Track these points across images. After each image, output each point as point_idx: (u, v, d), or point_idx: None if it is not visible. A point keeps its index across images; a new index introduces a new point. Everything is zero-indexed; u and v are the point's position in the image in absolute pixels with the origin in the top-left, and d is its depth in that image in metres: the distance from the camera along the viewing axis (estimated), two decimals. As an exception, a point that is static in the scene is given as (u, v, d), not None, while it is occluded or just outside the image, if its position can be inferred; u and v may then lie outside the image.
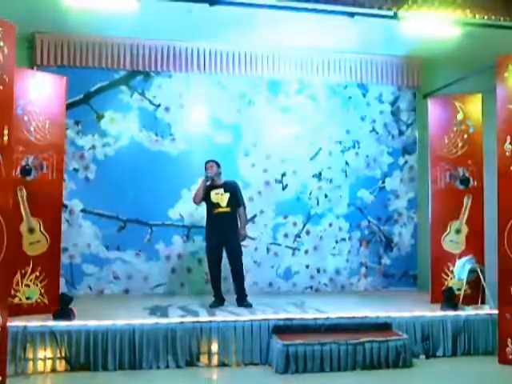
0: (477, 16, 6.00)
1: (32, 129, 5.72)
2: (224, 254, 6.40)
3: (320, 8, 5.91)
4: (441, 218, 6.81)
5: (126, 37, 7.21)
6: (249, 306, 6.15)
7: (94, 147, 7.32)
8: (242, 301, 6.24)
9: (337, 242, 7.92)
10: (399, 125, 8.20)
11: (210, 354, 5.34)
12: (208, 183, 6.31)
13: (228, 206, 6.29)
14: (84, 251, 7.22)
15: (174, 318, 5.48)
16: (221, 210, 6.28)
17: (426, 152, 7.25)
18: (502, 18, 6.05)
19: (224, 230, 6.25)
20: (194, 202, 6.47)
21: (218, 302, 6.25)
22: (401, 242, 8.11)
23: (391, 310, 5.93)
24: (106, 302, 6.67)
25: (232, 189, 6.36)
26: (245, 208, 6.51)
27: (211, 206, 6.32)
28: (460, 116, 6.80)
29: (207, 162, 6.42)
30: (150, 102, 7.51)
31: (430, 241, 6.98)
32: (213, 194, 6.30)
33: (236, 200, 6.36)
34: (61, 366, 5.10)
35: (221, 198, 6.29)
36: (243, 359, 5.37)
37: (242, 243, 6.47)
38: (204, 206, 6.47)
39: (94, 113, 7.34)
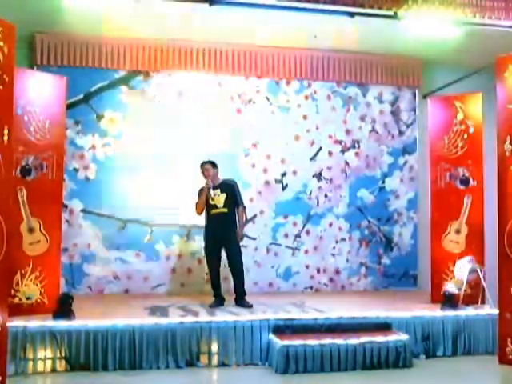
0: (477, 16, 6.00)
1: (32, 129, 5.71)
2: (223, 254, 6.39)
3: (320, 8, 5.90)
4: (441, 218, 6.81)
5: (126, 37, 7.21)
6: (248, 306, 6.11)
7: (93, 147, 7.32)
8: (241, 300, 6.22)
9: (337, 242, 7.92)
10: (399, 125, 8.20)
11: (210, 354, 5.35)
12: (209, 188, 6.23)
13: (225, 206, 6.24)
14: (84, 251, 7.22)
15: (174, 318, 5.48)
16: (218, 210, 6.23)
17: (426, 152, 7.25)
18: (502, 18, 6.04)
19: (222, 231, 6.22)
20: (197, 213, 6.36)
21: (218, 301, 6.24)
22: (401, 242, 8.11)
23: (391, 310, 5.93)
24: (106, 301, 6.66)
25: (229, 189, 6.30)
26: (244, 208, 6.46)
27: (209, 208, 6.28)
28: (460, 116, 6.80)
29: (202, 165, 6.33)
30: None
31: (429, 241, 6.97)
32: (210, 195, 6.24)
33: (234, 200, 6.30)
34: (61, 366, 5.10)
35: (217, 199, 6.23)
36: (243, 359, 5.37)
37: (242, 243, 6.46)
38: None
39: (94, 113, 7.34)
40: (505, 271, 5.42)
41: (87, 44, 7.18)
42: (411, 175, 8.18)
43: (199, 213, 6.34)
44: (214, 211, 6.25)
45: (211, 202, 6.25)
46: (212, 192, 6.23)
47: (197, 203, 6.31)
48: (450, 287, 6.35)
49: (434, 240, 6.85)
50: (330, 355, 5.19)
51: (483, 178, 6.66)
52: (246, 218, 6.63)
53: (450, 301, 6.07)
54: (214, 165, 6.34)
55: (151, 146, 7.45)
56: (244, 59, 7.61)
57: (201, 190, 6.32)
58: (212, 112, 7.63)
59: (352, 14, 6.06)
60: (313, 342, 5.21)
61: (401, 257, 8.08)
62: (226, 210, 6.24)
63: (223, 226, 6.23)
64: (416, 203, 8.15)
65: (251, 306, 6.11)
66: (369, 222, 8.02)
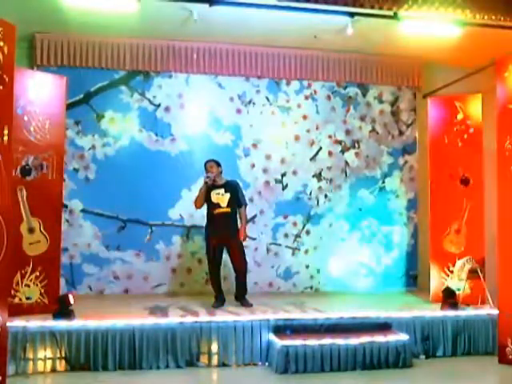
0: (477, 16, 5.99)
1: (32, 129, 5.72)
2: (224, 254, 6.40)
3: (320, 8, 5.90)
4: (441, 217, 6.82)
5: (126, 37, 7.20)
6: (248, 305, 6.16)
7: (93, 147, 7.32)
8: (241, 299, 6.27)
9: (337, 242, 7.92)
10: (399, 125, 8.19)
11: (210, 354, 5.35)
12: (209, 183, 6.27)
13: (228, 206, 6.27)
14: (84, 251, 7.22)
15: (174, 318, 5.48)
16: (221, 210, 6.25)
17: (426, 152, 7.25)
18: (502, 18, 6.04)
19: (224, 231, 6.23)
20: (196, 207, 6.42)
21: (220, 302, 6.24)
22: (401, 242, 8.11)
23: (391, 310, 5.93)
24: (106, 301, 6.66)
25: (233, 189, 6.34)
26: (246, 206, 6.49)
27: (211, 206, 6.29)
28: (460, 116, 6.81)
29: (207, 162, 6.38)
30: (150, 102, 7.51)
31: (429, 241, 6.98)
32: (213, 194, 6.27)
33: (237, 200, 6.34)
34: (61, 366, 5.11)
35: (221, 198, 6.26)
36: (243, 359, 5.38)
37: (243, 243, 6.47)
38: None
39: (94, 113, 7.34)
40: (505, 271, 5.42)
41: (87, 44, 7.18)
42: (411, 175, 8.18)
43: (198, 207, 6.40)
44: (216, 210, 6.26)
45: (214, 201, 6.27)
46: (216, 190, 6.27)
47: (196, 198, 6.35)
48: (449, 287, 6.36)
49: (434, 240, 6.86)
50: (330, 355, 5.20)
51: (483, 177, 6.66)
52: (246, 218, 6.62)
53: (449, 301, 6.07)
54: (217, 163, 6.38)
55: (151, 145, 7.46)
56: (244, 59, 7.62)
57: (201, 187, 6.33)
58: (212, 112, 7.63)
59: (352, 14, 6.06)
60: (313, 342, 5.21)
61: (401, 257, 8.08)
62: (228, 209, 6.27)
63: (226, 226, 6.24)
64: (416, 203, 8.14)
65: (251, 305, 6.14)
66: (369, 222, 8.02)
